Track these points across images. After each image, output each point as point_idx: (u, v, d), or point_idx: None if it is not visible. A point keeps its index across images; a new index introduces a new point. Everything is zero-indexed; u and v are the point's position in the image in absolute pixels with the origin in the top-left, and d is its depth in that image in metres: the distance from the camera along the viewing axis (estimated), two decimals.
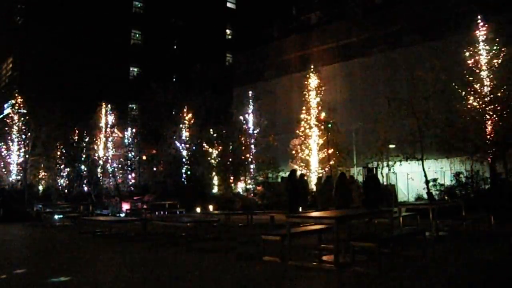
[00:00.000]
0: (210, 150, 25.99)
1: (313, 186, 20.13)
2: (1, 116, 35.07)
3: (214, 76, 33.00)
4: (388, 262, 6.82)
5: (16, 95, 26.35)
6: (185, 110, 26.36)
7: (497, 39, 16.20)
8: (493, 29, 16.73)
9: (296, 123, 23.22)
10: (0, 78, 44.61)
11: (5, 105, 35.67)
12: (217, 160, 25.44)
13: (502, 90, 16.02)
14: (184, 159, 26.40)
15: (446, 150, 17.54)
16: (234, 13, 49.24)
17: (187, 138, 26.39)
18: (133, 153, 27.86)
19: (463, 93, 16.53)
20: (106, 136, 26.84)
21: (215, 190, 25.94)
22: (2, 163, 25.74)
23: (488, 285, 5.89)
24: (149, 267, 7.48)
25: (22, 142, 24.63)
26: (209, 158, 25.87)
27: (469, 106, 16.43)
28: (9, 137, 24.92)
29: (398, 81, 19.10)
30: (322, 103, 22.81)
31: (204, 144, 26.35)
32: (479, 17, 16.88)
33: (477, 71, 16.46)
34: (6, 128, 24.97)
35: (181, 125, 26.33)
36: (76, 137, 28.07)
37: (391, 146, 18.65)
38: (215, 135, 25.94)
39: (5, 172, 25.87)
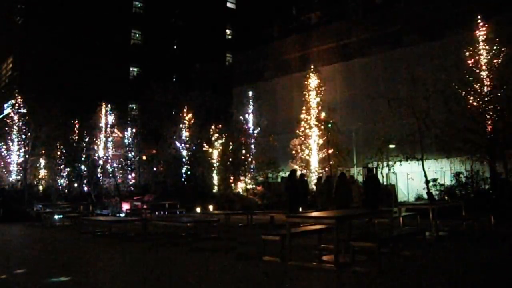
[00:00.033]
0: (210, 150, 26.00)
1: (313, 186, 20.14)
2: (1, 116, 35.03)
3: (214, 76, 33.06)
4: (388, 262, 6.82)
5: (16, 95, 26.28)
6: (185, 110, 26.31)
7: (497, 39, 16.19)
8: (493, 29, 16.74)
9: (296, 123, 23.19)
10: (0, 78, 44.60)
11: (5, 105, 35.65)
12: (217, 160, 25.46)
13: (502, 90, 16.02)
14: (184, 159, 26.37)
15: (446, 150, 17.55)
16: (234, 13, 49.20)
17: (187, 138, 26.34)
18: (133, 153, 27.80)
19: (463, 93, 16.51)
20: (106, 136, 26.81)
21: (215, 190, 25.93)
22: (2, 163, 25.69)
23: (488, 285, 5.89)
24: (149, 267, 7.49)
25: (22, 142, 24.58)
26: (209, 158, 25.88)
27: (469, 106, 16.42)
28: (9, 137, 24.86)
29: (398, 81, 19.07)
30: (322, 103, 22.77)
31: (204, 144, 26.35)
32: (479, 17, 16.88)
33: (477, 71, 16.44)
34: (6, 128, 24.89)
35: (181, 125, 26.28)
36: (76, 137, 28.03)
37: (391, 146, 18.65)
38: (215, 135, 25.95)
39: (5, 172, 25.84)
